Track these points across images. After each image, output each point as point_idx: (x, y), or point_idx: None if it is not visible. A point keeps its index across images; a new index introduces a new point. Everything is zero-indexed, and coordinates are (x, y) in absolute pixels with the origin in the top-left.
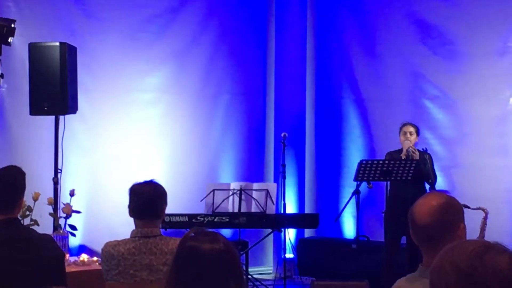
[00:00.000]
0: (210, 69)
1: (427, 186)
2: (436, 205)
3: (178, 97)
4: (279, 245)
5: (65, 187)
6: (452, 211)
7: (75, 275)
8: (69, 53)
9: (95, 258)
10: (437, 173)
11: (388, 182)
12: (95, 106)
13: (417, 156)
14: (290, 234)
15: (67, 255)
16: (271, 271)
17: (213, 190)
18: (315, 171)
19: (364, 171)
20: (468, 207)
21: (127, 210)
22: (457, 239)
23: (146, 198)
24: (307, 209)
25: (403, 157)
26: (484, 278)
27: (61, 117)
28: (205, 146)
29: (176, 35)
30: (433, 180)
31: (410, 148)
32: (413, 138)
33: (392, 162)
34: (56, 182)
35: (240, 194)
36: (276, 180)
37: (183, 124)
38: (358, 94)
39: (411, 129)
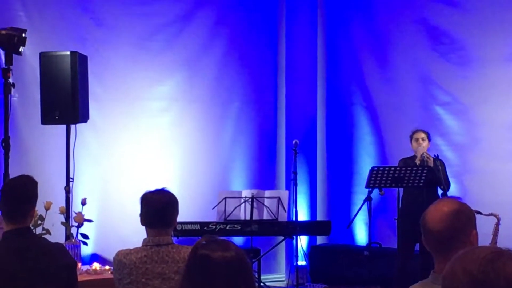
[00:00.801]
0: (220, 77)
1: (440, 192)
2: (448, 212)
3: (189, 105)
4: (291, 253)
5: (77, 196)
6: (464, 217)
7: (87, 284)
8: (80, 62)
9: (107, 267)
10: (450, 180)
11: (401, 189)
12: (106, 114)
13: (431, 162)
14: (302, 242)
15: (79, 264)
16: (283, 279)
17: (225, 198)
18: (326, 178)
19: (376, 178)
20: (480, 213)
21: (138, 218)
22: (469, 246)
23: (157, 207)
24: (319, 216)
25: (418, 163)
26: (496, 284)
27: (73, 126)
28: (217, 154)
29: (187, 43)
30: (446, 186)
31: (425, 154)
32: (426, 144)
33: (404, 168)
34: (68, 191)
35: (252, 201)
36: (287, 187)
37: (194, 132)
38: (369, 101)
39: (423, 135)
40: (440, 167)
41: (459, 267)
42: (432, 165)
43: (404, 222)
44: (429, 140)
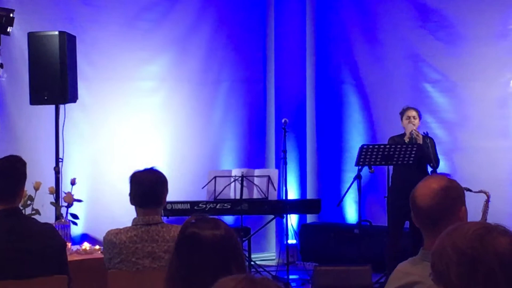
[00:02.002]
0: (209, 56)
1: (430, 170)
2: (437, 188)
3: (178, 84)
4: (282, 231)
5: (67, 176)
6: (453, 193)
7: (77, 264)
8: (68, 42)
9: (97, 247)
10: (439, 157)
11: (390, 167)
12: (95, 94)
13: (420, 139)
14: (293, 220)
15: (69, 244)
16: (274, 257)
17: (215, 177)
18: (316, 157)
19: (366, 156)
20: (470, 190)
21: (128, 198)
22: (459, 222)
23: (147, 186)
24: (309, 195)
25: (407, 140)
26: (485, 259)
27: (61, 106)
28: (206, 133)
29: (175, 22)
30: (435, 164)
31: (414, 131)
32: (417, 122)
33: (393, 146)
34: (57, 171)
35: (242, 180)
36: (277, 166)
37: (183, 112)
38: (359, 79)
39: (414, 113)
40: (429, 145)
41: (448, 243)
42: (421, 142)
43: (394, 200)
44: (420, 118)
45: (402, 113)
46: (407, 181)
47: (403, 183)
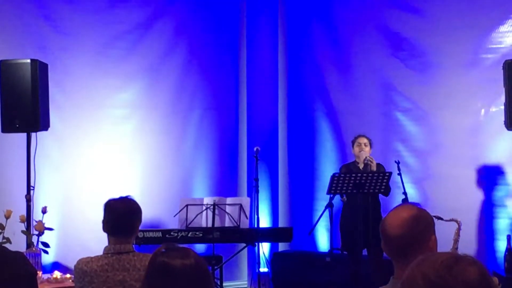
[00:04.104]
0: (181, 84)
1: (402, 199)
2: (407, 217)
3: (150, 112)
4: (254, 259)
5: (38, 204)
6: (423, 223)
7: None
8: (40, 70)
9: (68, 275)
10: (411, 185)
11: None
12: (67, 122)
13: (374, 166)
14: (264, 248)
15: (40, 273)
16: (245, 286)
17: (187, 205)
18: (288, 185)
19: (337, 184)
20: (441, 219)
21: (100, 226)
22: (429, 251)
23: (121, 215)
24: (281, 223)
25: (361, 167)
26: None
27: (33, 134)
28: (178, 161)
29: (147, 50)
30: (386, 191)
31: (368, 157)
32: (368, 149)
33: (365, 175)
34: (28, 199)
35: (214, 208)
36: (249, 194)
37: (155, 140)
38: (330, 107)
39: (365, 140)
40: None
41: (418, 273)
42: (375, 169)
43: (349, 229)
44: (371, 146)
45: (353, 141)
46: (356, 208)
47: (352, 210)
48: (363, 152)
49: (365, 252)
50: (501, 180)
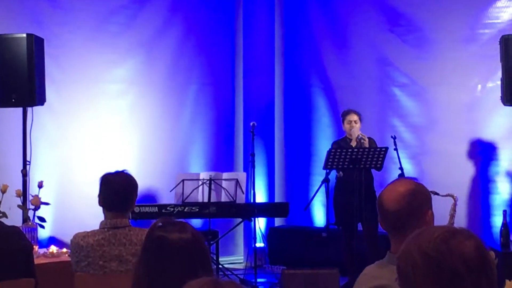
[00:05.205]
0: (178, 59)
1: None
2: (404, 192)
3: (146, 87)
4: (250, 235)
5: (34, 179)
6: (420, 197)
7: (44, 267)
8: (36, 44)
9: (64, 250)
10: (407, 161)
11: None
12: (63, 97)
13: (367, 143)
14: (261, 223)
15: (36, 247)
16: (241, 261)
17: (183, 180)
18: (284, 160)
19: (334, 159)
20: (438, 194)
21: (96, 201)
22: (425, 226)
23: (117, 189)
24: (277, 198)
25: (353, 144)
26: (450, 263)
27: (29, 109)
28: (174, 136)
29: (144, 25)
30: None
31: (360, 135)
32: (358, 125)
33: (361, 150)
34: (24, 174)
35: (210, 184)
36: (245, 169)
37: (151, 115)
38: (327, 83)
39: (355, 117)
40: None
41: (414, 247)
42: (367, 146)
43: (343, 203)
44: (361, 121)
45: (343, 118)
46: (351, 183)
47: (346, 184)
48: (355, 129)
49: (360, 227)
50: (497, 156)
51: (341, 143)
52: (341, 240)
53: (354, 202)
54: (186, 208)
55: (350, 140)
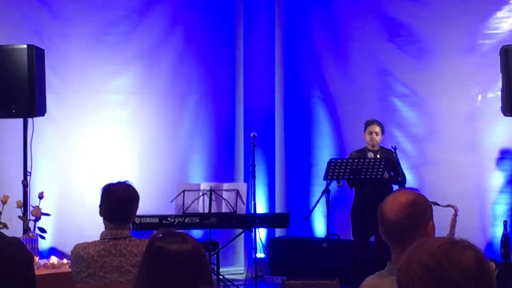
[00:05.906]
0: (178, 70)
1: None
2: (405, 202)
3: (146, 98)
4: (250, 245)
5: (35, 189)
6: (421, 208)
7: (44, 278)
8: (36, 55)
9: (65, 261)
10: (407, 171)
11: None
12: (63, 108)
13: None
14: (261, 234)
15: (37, 258)
16: (242, 271)
17: (183, 191)
18: (285, 171)
19: (334, 170)
20: (438, 205)
21: (97, 212)
22: (426, 237)
23: (119, 200)
24: (278, 209)
25: (370, 156)
26: (450, 274)
27: (30, 120)
28: (175, 146)
29: (144, 36)
30: (402, 178)
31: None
32: (379, 138)
33: (362, 160)
34: (25, 185)
35: (210, 194)
36: (246, 180)
37: (152, 125)
38: (327, 93)
39: (377, 129)
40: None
41: (414, 258)
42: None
43: (358, 215)
44: (383, 133)
45: (365, 126)
46: (370, 195)
47: (366, 197)
48: (374, 141)
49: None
50: (497, 166)
51: (359, 154)
52: (351, 251)
53: (369, 214)
54: (187, 218)
55: (369, 150)
